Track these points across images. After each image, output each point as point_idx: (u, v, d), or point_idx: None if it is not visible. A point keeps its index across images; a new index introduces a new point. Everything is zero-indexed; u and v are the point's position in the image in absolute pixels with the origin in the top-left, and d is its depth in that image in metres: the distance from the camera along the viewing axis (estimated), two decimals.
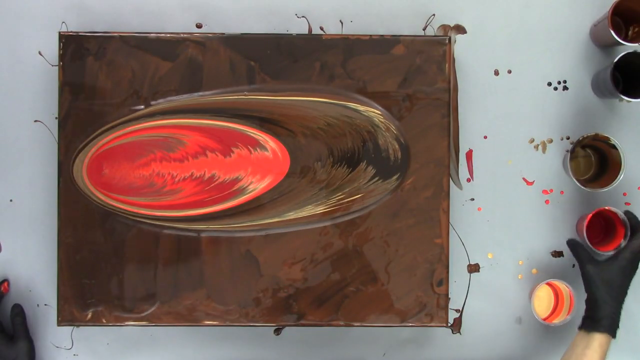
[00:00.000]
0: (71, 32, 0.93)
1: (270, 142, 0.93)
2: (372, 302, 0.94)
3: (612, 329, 0.87)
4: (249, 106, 0.93)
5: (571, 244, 0.94)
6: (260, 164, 0.93)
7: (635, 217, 0.92)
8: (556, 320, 0.95)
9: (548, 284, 0.96)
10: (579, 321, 0.91)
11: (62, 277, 0.93)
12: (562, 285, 0.96)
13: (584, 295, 0.92)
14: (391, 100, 0.93)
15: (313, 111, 0.93)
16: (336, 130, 0.93)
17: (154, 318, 0.93)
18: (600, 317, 0.87)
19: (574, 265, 1.01)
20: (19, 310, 0.97)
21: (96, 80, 0.93)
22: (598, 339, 0.87)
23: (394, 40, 0.94)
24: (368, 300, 0.94)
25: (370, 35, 0.94)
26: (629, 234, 0.93)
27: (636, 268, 0.89)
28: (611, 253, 0.92)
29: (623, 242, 0.93)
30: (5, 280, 0.99)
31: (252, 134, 0.93)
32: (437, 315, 0.94)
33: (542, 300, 0.99)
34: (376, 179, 0.93)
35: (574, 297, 0.94)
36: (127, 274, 0.93)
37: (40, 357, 1.01)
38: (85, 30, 0.95)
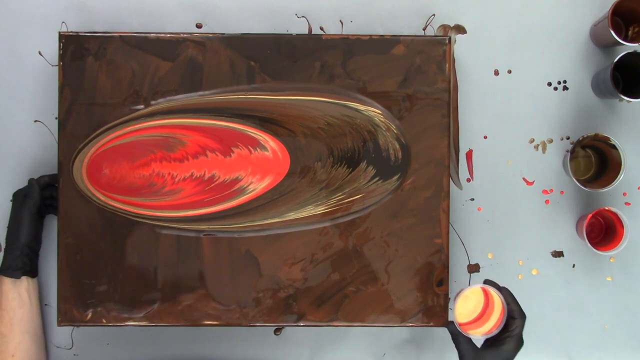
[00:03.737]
0: (71, 32, 0.93)
1: (270, 142, 0.93)
2: (372, 302, 0.94)
3: None
4: (249, 106, 0.93)
5: (452, 333, 0.86)
6: (260, 164, 0.93)
7: (513, 301, 0.85)
8: (474, 331, 0.85)
9: (482, 288, 0.86)
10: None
11: (62, 277, 0.93)
12: (496, 296, 0.85)
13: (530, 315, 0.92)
14: (391, 101, 0.93)
15: (313, 111, 0.93)
16: (336, 130, 0.93)
17: (154, 318, 0.93)
18: None
19: (574, 265, 1.01)
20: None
21: (96, 80, 0.93)
22: None
23: (394, 40, 0.94)
24: (368, 300, 0.94)
25: (370, 35, 0.94)
26: (628, 234, 0.93)
27: (515, 356, 0.84)
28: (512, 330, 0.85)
29: (623, 242, 0.94)
30: None
31: (252, 134, 0.93)
32: (437, 315, 0.94)
33: (468, 303, 0.88)
34: (376, 179, 0.93)
35: (504, 312, 0.84)
36: (127, 274, 0.93)
37: None
38: (85, 30, 0.95)
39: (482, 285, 0.85)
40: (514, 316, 0.84)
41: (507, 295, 0.85)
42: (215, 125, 0.92)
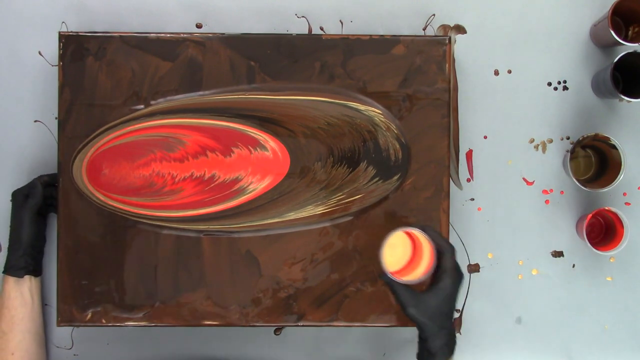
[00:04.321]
0: (71, 32, 0.93)
1: (270, 142, 0.93)
2: (372, 302, 0.94)
3: (449, 355, 0.82)
4: (249, 106, 0.93)
5: (388, 283, 0.81)
6: (260, 164, 0.93)
7: (439, 237, 0.82)
8: (408, 277, 0.81)
9: (408, 232, 0.82)
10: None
11: (62, 277, 0.93)
12: (421, 237, 0.81)
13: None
14: (391, 100, 0.93)
15: (313, 110, 0.93)
16: (336, 129, 0.93)
17: (153, 318, 0.93)
18: (436, 350, 0.81)
19: (574, 265, 1.01)
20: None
21: (96, 80, 0.93)
22: None
23: (394, 40, 0.94)
24: (368, 300, 0.94)
25: (371, 35, 0.94)
26: (628, 234, 0.93)
27: (457, 289, 0.82)
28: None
29: (623, 242, 0.94)
30: None
31: (252, 134, 0.93)
32: None
33: (396, 250, 0.83)
34: (376, 179, 0.93)
35: (433, 250, 0.80)
36: (126, 275, 0.93)
37: None
38: (85, 30, 0.95)
39: (403, 229, 0.80)
40: (443, 251, 0.81)
41: (431, 232, 0.81)
42: (215, 125, 0.92)
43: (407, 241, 0.83)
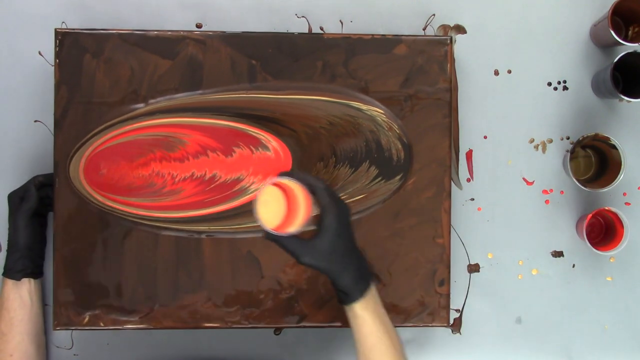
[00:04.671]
0: (68, 29, 0.92)
1: (272, 142, 0.92)
2: None
3: (365, 287, 0.79)
4: (250, 105, 0.92)
5: (273, 240, 0.77)
6: (262, 164, 0.92)
7: (307, 177, 0.78)
8: (292, 228, 0.76)
9: (276, 184, 0.77)
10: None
11: (58, 280, 0.92)
12: (290, 183, 0.76)
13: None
14: (393, 100, 0.93)
15: (315, 110, 0.92)
16: (339, 129, 0.92)
17: (153, 321, 0.92)
18: (348, 288, 0.78)
19: (574, 265, 1.02)
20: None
21: (94, 78, 0.92)
22: (360, 305, 0.78)
23: (395, 40, 0.93)
24: None
25: (372, 35, 0.93)
26: (628, 234, 0.94)
27: (344, 221, 0.77)
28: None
29: (623, 242, 0.94)
30: None
31: (253, 134, 0.92)
32: (439, 315, 0.94)
33: (270, 206, 0.77)
34: (379, 179, 0.93)
35: (306, 192, 0.76)
36: (125, 277, 0.92)
37: None
38: (83, 28, 0.94)
39: (270, 182, 0.76)
40: (315, 190, 0.77)
41: (298, 175, 0.77)
42: (216, 124, 0.91)
43: (278, 193, 0.77)
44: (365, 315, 0.78)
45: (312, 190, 0.77)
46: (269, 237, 0.76)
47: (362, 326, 0.78)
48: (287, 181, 0.76)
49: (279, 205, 0.77)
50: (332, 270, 0.77)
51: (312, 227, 0.77)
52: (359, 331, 0.79)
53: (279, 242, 0.77)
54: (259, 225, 0.90)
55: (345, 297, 0.78)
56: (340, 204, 0.78)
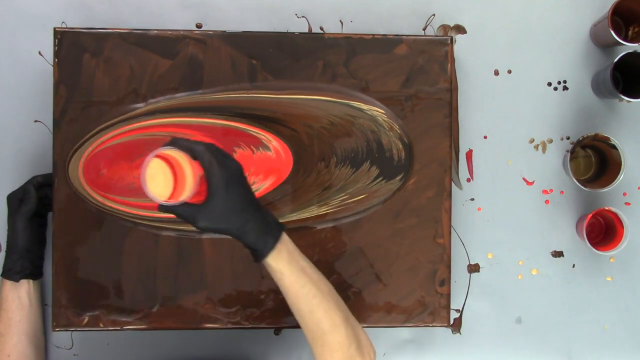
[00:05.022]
0: (67, 28, 0.91)
1: (273, 142, 0.92)
2: (375, 302, 0.93)
3: (273, 239, 0.76)
4: (251, 105, 0.91)
5: (168, 211, 0.76)
6: (263, 164, 0.92)
7: (186, 142, 0.75)
8: (183, 196, 0.75)
9: (158, 156, 0.75)
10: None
11: (57, 280, 0.91)
12: (171, 152, 0.75)
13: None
14: (394, 100, 0.93)
15: (316, 110, 0.92)
16: (340, 129, 0.92)
17: (153, 322, 0.92)
18: (256, 244, 0.76)
19: (574, 265, 1.02)
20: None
21: (93, 77, 0.91)
22: (272, 258, 0.76)
23: (396, 40, 0.93)
24: (371, 300, 0.93)
25: (373, 35, 0.93)
26: (628, 234, 0.94)
27: (231, 178, 0.75)
28: None
29: (623, 242, 0.94)
30: None
31: (254, 134, 0.91)
32: (439, 315, 0.94)
33: (157, 179, 0.76)
34: (380, 179, 0.93)
35: (188, 157, 0.75)
36: (125, 277, 0.91)
37: None
38: (82, 27, 0.93)
39: (152, 155, 0.74)
40: (196, 153, 0.75)
41: (178, 143, 0.75)
42: (216, 124, 0.91)
43: (162, 165, 0.76)
44: (280, 266, 0.76)
45: (193, 155, 0.75)
46: (162, 209, 0.75)
47: (281, 279, 0.77)
48: (168, 151, 0.74)
49: (166, 177, 0.76)
50: (232, 229, 0.75)
51: (192, 194, 0.75)
52: (281, 285, 0.77)
53: (174, 211, 0.75)
54: None
55: (256, 254, 0.76)
56: (226, 161, 0.76)
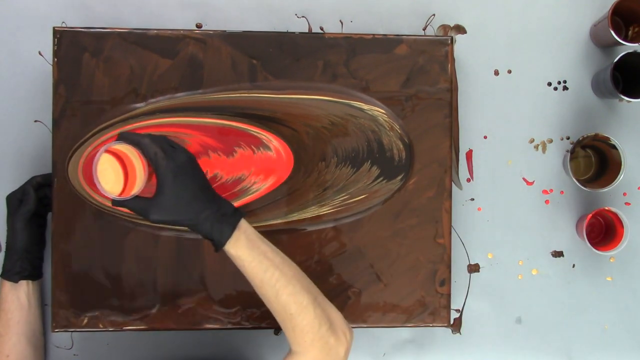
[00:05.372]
0: (66, 27, 0.91)
1: (273, 142, 0.92)
2: (375, 302, 0.93)
3: (229, 227, 0.75)
4: (251, 104, 0.91)
5: (120, 205, 0.75)
6: (263, 164, 0.91)
7: (132, 136, 0.75)
8: (135, 190, 0.75)
9: (109, 151, 0.75)
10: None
11: (57, 281, 0.91)
12: (120, 147, 0.75)
13: None
14: (394, 100, 0.93)
15: (317, 110, 0.92)
16: (340, 129, 0.92)
17: (153, 322, 0.91)
18: (212, 234, 0.75)
19: (574, 265, 1.02)
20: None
21: (93, 77, 0.91)
22: (230, 245, 0.75)
23: (396, 40, 0.93)
24: (371, 300, 0.93)
25: (374, 35, 0.93)
26: (628, 234, 0.94)
27: (179, 168, 0.74)
28: None
29: (623, 242, 0.94)
30: None
31: (255, 133, 0.91)
32: (440, 315, 0.94)
33: (108, 173, 0.76)
34: (380, 179, 0.93)
35: (136, 150, 0.75)
36: (125, 278, 0.91)
37: None
38: (82, 26, 0.93)
39: (101, 152, 0.74)
40: (142, 146, 0.74)
41: (125, 137, 0.75)
42: (217, 124, 0.91)
43: (112, 160, 0.76)
44: (240, 253, 0.76)
45: (140, 148, 0.75)
46: (115, 203, 0.75)
47: (243, 266, 0.76)
48: (117, 146, 0.75)
49: (117, 172, 0.76)
50: (185, 220, 0.74)
51: (142, 187, 0.75)
52: (244, 272, 0.77)
53: (126, 206, 0.75)
54: (260, 226, 0.91)
55: (214, 243, 0.76)
56: (173, 152, 0.75)
